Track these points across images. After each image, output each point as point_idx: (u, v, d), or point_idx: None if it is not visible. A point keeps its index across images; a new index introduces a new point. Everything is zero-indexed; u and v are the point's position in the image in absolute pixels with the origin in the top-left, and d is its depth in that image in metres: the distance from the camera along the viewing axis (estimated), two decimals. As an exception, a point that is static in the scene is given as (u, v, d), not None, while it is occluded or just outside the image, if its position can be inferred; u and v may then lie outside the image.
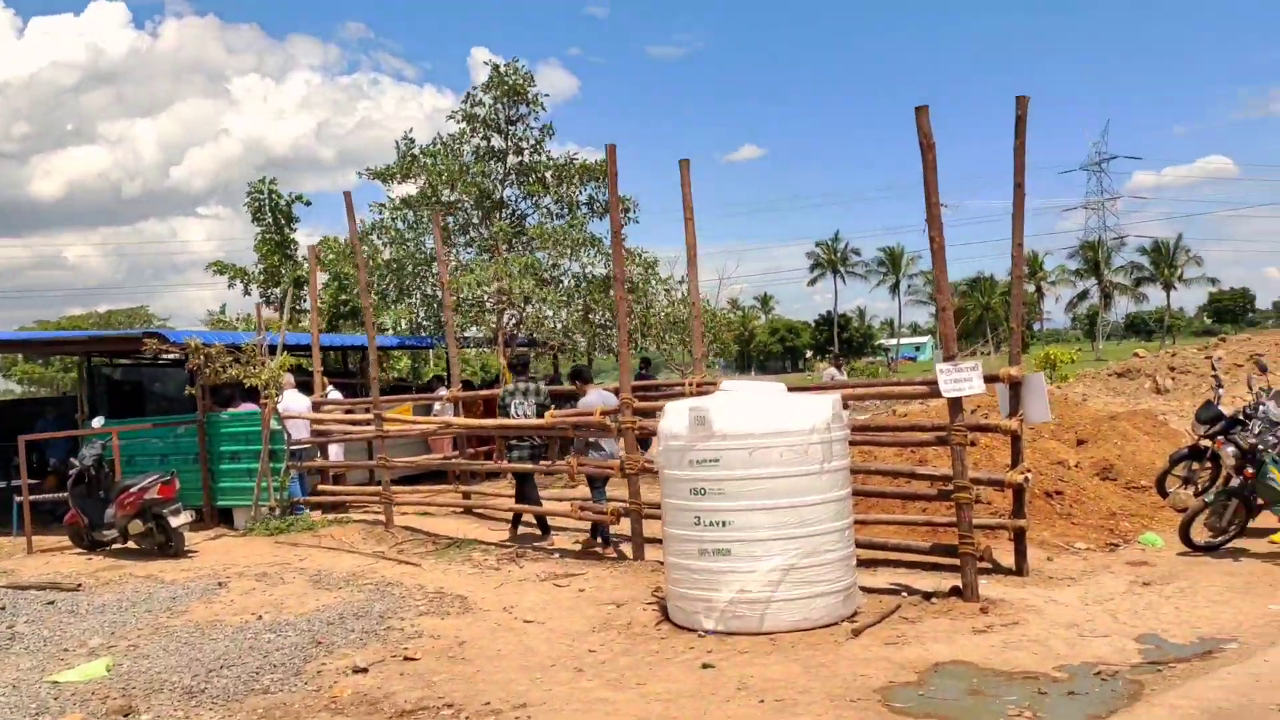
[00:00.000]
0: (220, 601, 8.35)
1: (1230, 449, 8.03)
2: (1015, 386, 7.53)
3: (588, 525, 9.90)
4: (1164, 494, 10.03)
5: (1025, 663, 5.67)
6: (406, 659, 6.30)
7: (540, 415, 9.92)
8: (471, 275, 14.54)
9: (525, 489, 10.54)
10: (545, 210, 17.00)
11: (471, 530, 11.01)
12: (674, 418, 6.99)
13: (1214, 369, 10.98)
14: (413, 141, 16.57)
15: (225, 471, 12.39)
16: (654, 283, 16.21)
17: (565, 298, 16.04)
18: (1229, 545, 8.20)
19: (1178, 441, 11.74)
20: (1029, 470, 9.57)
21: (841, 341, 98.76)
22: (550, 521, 10.48)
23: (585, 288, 16.07)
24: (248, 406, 12.33)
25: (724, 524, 6.63)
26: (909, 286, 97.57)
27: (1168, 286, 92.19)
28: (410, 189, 16.76)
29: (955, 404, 7.00)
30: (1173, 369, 24.38)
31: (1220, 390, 10.13)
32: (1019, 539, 7.70)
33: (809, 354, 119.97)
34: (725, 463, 6.62)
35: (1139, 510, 9.60)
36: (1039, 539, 8.72)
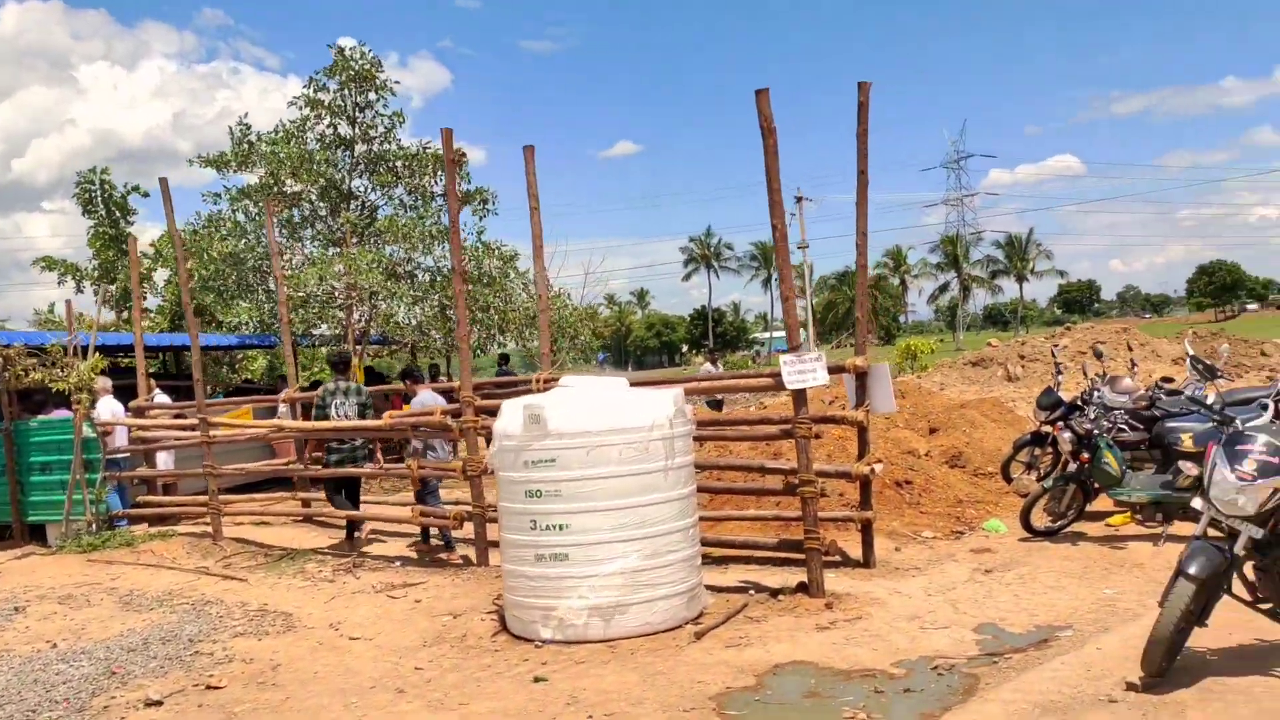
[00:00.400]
0: (13, 629, 7.54)
1: (1067, 435, 8.13)
2: (861, 377, 7.43)
3: (438, 531, 9.43)
4: (1008, 479, 10.18)
5: (865, 659, 5.51)
6: (209, 688, 5.73)
7: (362, 416, 9.56)
8: (315, 269, 13.73)
9: (342, 493, 10.03)
10: (398, 202, 16.30)
11: (310, 539, 10.36)
12: (508, 417, 6.60)
13: (1054, 357, 11.26)
14: (249, 127, 15.61)
15: (36, 484, 11.34)
16: (513, 276, 15.72)
17: (419, 293, 15.40)
18: (1068, 530, 8.32)
19: (1023, 428, 11.99)
20: (877, 461, 9.55)
21: (715, 336, 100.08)
22: (399, 529, 9.94)
23: (440, 283, 15.44)
24: (61, 413, 11.31)
25: (561, 528, 6.29)
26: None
27: (1020, 279, 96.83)
28: (251, 178, 15.82)
29: (799, 396, 6.83)
30: (1023, 357, 25.30)
31: (1060, 377, 10.34)
32: (866, 531, 7.61)
33: (685, 348, 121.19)
34: (562, 463, 6.27)
35: (985, 497, 9.70)
36: (888, 529, 8.69)
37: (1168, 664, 4.66)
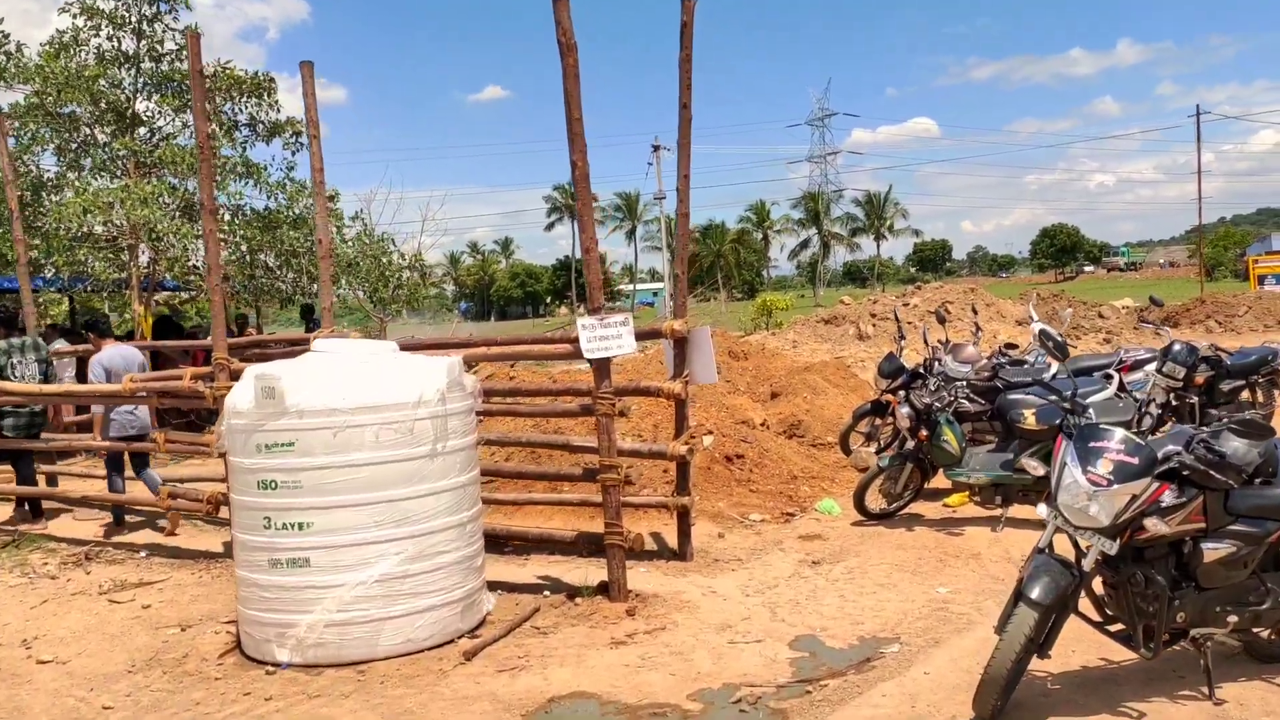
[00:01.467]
0: None
1: (905, 410, 7.40)
2: (680, 343, 6.46)
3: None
4: (847, 451, 9.50)
5: (659, 689, 4.58)
6: None
7: (45, 376, 8.40)
8: (78, 201, 11.78)
9: (22, 466, 8.70)
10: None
11: (55, 524, 8.81)
12: (240, 389, 5.36)
13: (896, 318, 10.58)
14: (6, 35, 13.40)
15: None
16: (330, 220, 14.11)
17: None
18: (905, 511, 7.64)
19: (866, 394, 11.37)
20: (707, 433, 8.68)
21: (578, 287, 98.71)
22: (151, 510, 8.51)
23: (240, 222, 13.71)
24: None
25: (302, 527, 5.11)
26: (644, 232, 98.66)
27: (878, 237, 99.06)
28: (13, 97, 13.61)
29: (601, 367, 5.80)
30: (874, 315, 25.13)
31: (903, 341, 9.68)
32: (682, 519, 6.69)
33: (549, 299, 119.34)
34: (302, 447, 5.08)
35: (821, 471, 8.97)
36: (714, 510, 7.83)
37: (1003, 703, 3.88)
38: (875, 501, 7.57)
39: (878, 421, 9.54)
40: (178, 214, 13.15)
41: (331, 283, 7.84)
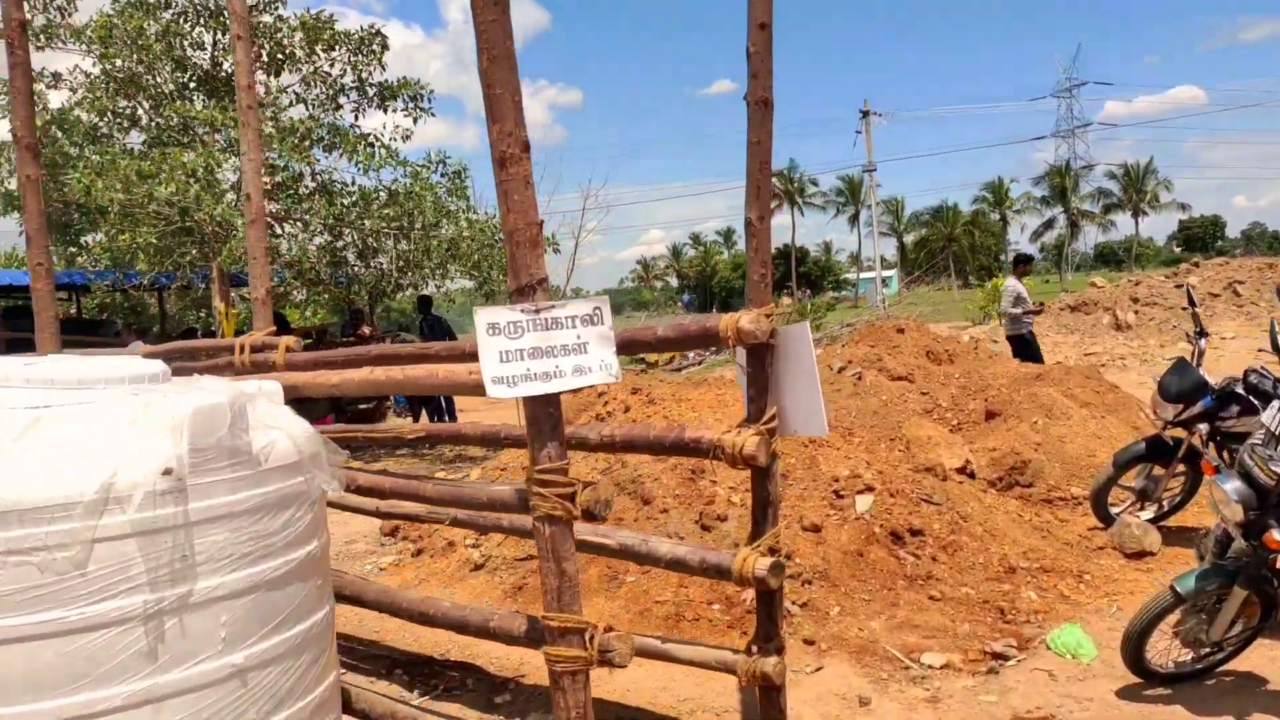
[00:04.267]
0: None
1: (1230, 486, 3.73)
2: (759, 354, 3.29)
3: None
4: (1105, 519, 5.91)
5: None
6: None
7: None
8: (79, 176, 9.68)
9: None
10: (293, 96, 12.40)
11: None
12: None
13: (1190, 299, 6.67)
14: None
15: None
16: (428, 195, 11.72)
17: (322, 217, 11.56)
18: (1226, 666, 4.06)
19: (1134, 419, 7.59)
20: (848, 495, 5.42)
21: (799, 275, 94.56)
22: None
23: (322, 202, 11.50)
24: None
25: None
26: (868, 217, 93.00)
27: (1137, 213, 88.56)
28: (81, 60, 11.96)
29: (541, 413, 2.69)
30: (1136, 300, 20.29)
31: (1202, 341, 5.96)
32: (767, 696, 3.47)
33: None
34: None
35: (1060, 558, 5.44)
36: (858, 637, 4.55)
37: None
38: (1166, 653, 4.04)
39: (1157, 470, 5.92)
40: (234, 191, 11.05)
41: (263, 268, 5.18)
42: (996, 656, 4.37)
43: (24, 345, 11.33)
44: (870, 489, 5.59)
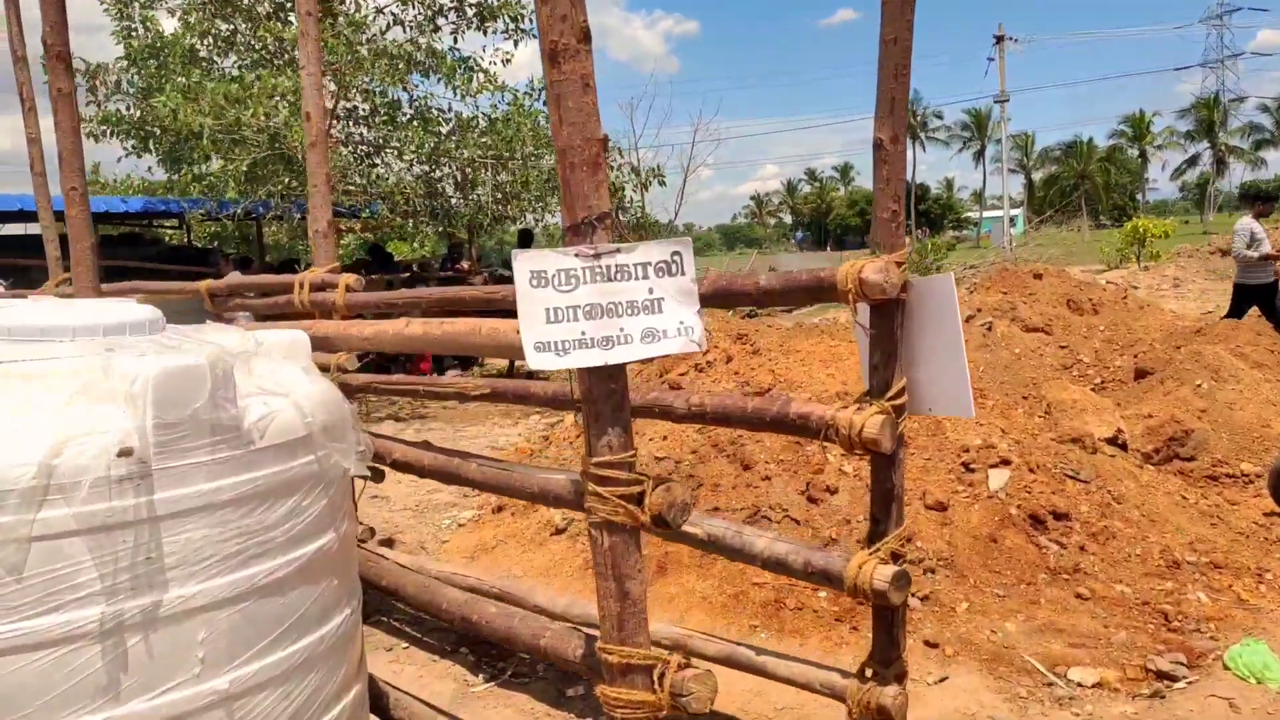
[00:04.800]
0: None
1: None
2: (886, 312, 2.61)
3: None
4: (1289, 507, 5.02)
5: None
6: None
7: None
8: (164, 100, 9.27)
9: None
10: (390, 17, 11.86)
11: None
12: None
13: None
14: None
15: None
16: (526, 123, 11.10)
17: (414, 146, 11.11)
18: None
19: (1318, 385, 6.58)
20: (978, 469, 4.68)
21: (918, 214, 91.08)
22: None
23: (415, 128, 10.99)
24: None
25: None
26: (995, 152, 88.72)
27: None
28: None
29: (600, 385, 2.07)
30: (1300, 246, 18.41)
31: None
32: (883, 729, 2.83)
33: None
34: None
35: (1233, 551, 4.61)
36: (992, 642, 3.87)
37: None
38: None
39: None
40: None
41: (325, 193, 4.70)
42: (1162, 676, 3.63)
43: (120, 274, 11.30)
44: (1005, 462, 4.84)
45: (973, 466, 4.83)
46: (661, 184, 13.60)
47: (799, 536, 4.79)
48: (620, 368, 2.03)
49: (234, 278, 5.13)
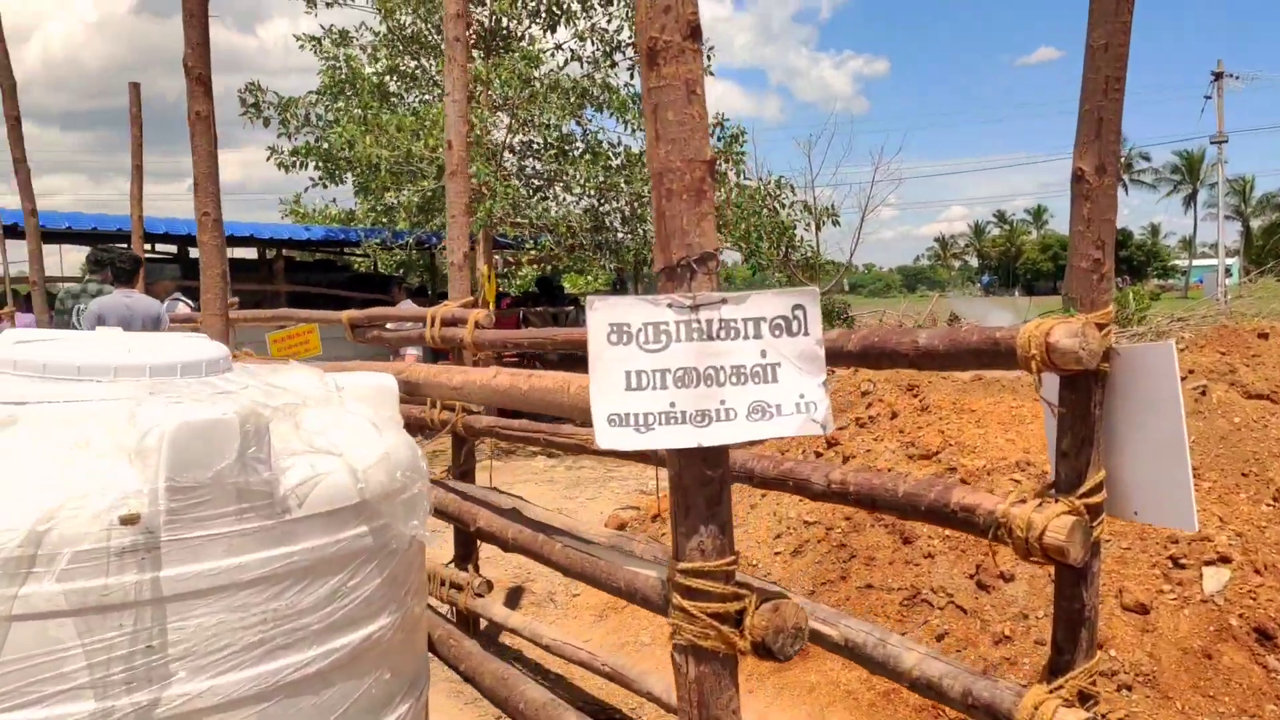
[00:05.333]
0: None
1: None
2: (1083, 387, 2.05)
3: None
4: None
5: None
6: None
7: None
8: (342, 130, 9.41)
9: None
10: (569, 52, 11.83)
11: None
12: None
13: None
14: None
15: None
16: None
17: (584, 179, 11.00)
18: None
19: None
20: (1190, 564, 3.95)
21: (1120, 260, 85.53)
22: None
23: (584, 162, 10.85)
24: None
25: None
26: (1208, 198, 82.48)
27: None
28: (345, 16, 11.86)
29: (689, 481, 1.62)
30: None
31: None
32: None
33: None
34: None
35: None
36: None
37: None
38: None
39: None
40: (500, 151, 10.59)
41: (462, 214, 4.48)
42: None
43: (306, 299, 11.66)
44: (1225, 559, 4.05)
45: (1183, 562, 4.07)
46: (835, 224, 13.05)
47: (964, 629, 4.17)
48: (719, 452, 1.59)
49: (374, 310, 5.00)
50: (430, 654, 2.96)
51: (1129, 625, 3.85)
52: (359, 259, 21.86)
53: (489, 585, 4.52)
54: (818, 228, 13.52)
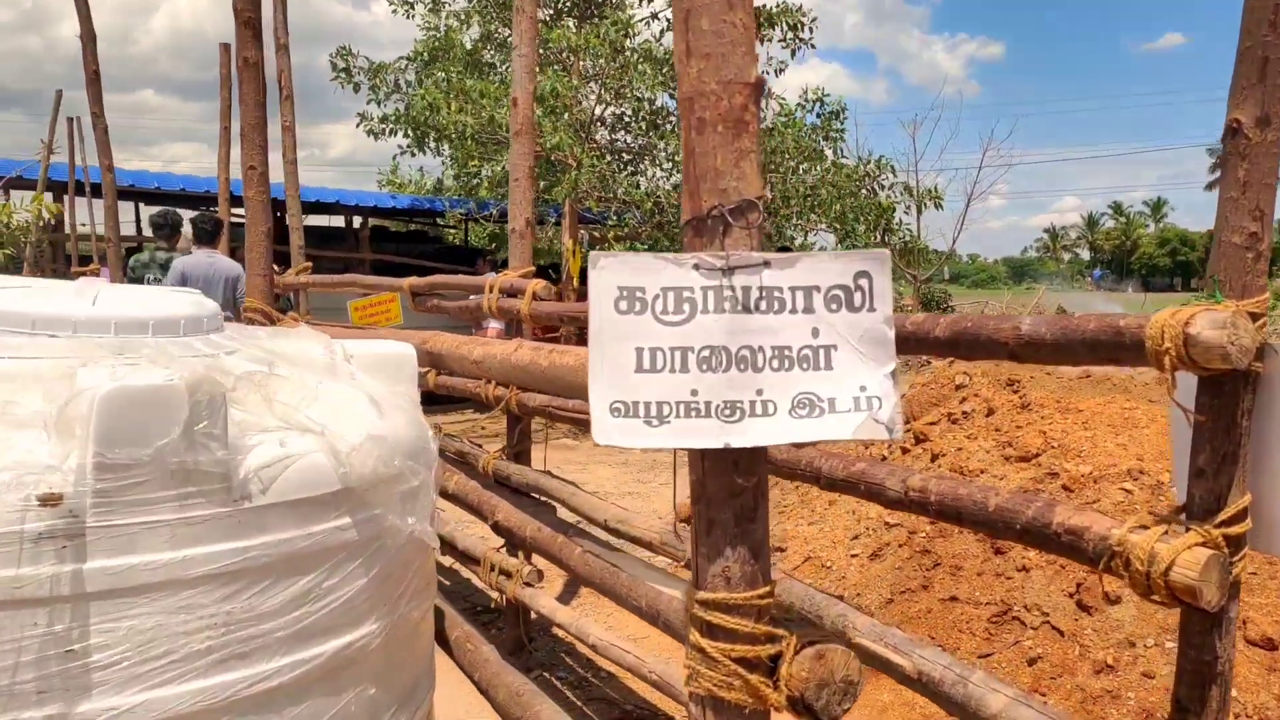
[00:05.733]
0: None
1: None
2: (1228, 391, 1.64)
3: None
4: None
5: None
6: None
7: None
8: (422, 94, 9.11)
9: None
10: (665, 22, 11.38)
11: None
12: None
13: None
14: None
15: None
16: (790, 133, 10.25)
17: (670, 154, 10.63)
18: None
19: None
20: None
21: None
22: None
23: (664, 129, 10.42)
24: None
25: None
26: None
27: None
28: None
29: (715, 491, 1.29)
30: None
31: None
32: None
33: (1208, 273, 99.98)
34: None
35: None
36: None
37: None
38: None
39: None
40: (584, 124, 10.26)
41: (527, 176, 4.20)
42: None
43: (393, 269, 11.57)
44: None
45: None
46: (938, 207, 12.38)
47: (1060, 654, 3.73)
48: (754, 455, 1.25)
49: (435, 278, 4.75)
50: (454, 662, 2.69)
51: (1253, 662, 3.37)
52: (451, 230, 21.92)
53: (539, 574, 4.25)
54: (919, 211, 12.89)
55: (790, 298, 1.23)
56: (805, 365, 1.22)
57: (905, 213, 12.29)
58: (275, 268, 9.03)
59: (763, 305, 1.23)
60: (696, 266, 1.23)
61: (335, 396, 1.83)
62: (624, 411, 1.22)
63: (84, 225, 8.12)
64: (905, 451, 5.49)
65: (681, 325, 1.23)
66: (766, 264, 1.24)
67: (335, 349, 2.12)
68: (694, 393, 1.22)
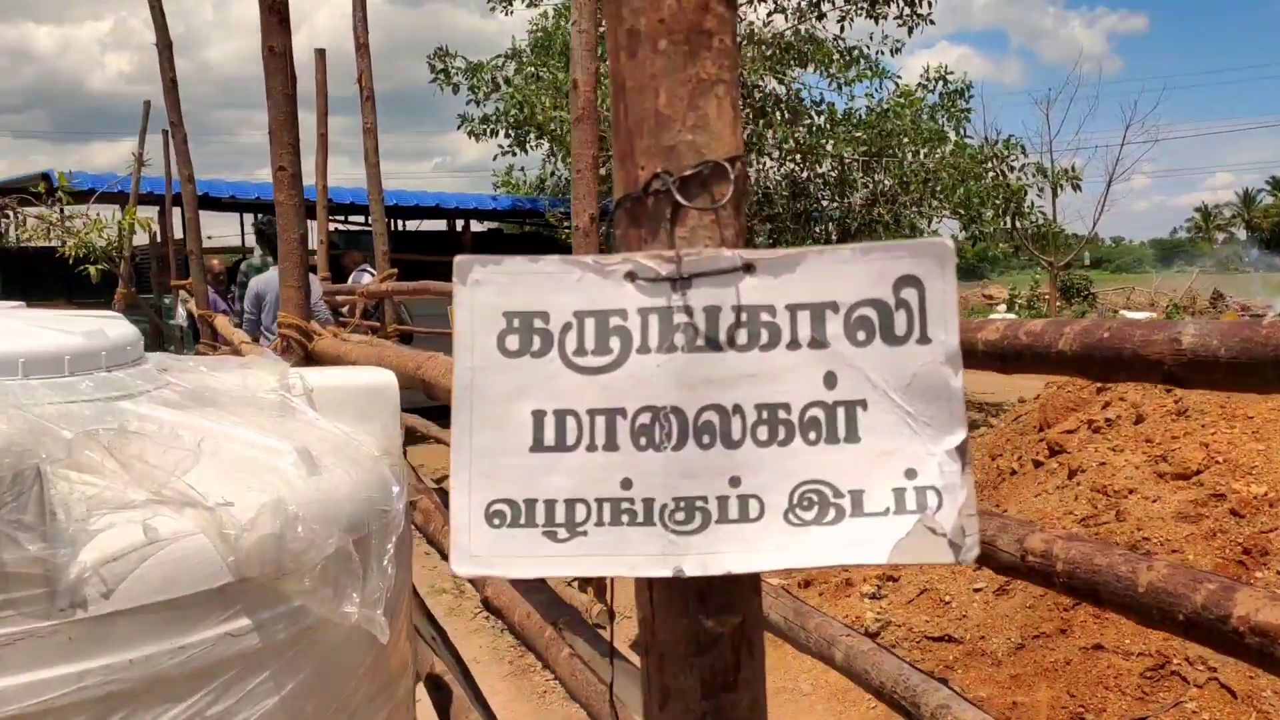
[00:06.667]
0: None
1: None
2: None
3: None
4: None
5: None
6: None
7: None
8: (514, 92, 8.70)
9: None
10: (772, 4, 10.75)
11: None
12: None
13: None
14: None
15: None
16: (908, 115, 9.49)
17: (778, 140, 10.02)
18: None
19: None
20: None
21: None
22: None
23: (780, 123, 9.80)
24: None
25: None
26: None
27: None
28: None
29: (667, 605, 0.80)
30: None
31: None
32: None
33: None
34: None
35: None
36: None
37: None
38: None
39: None
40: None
41: (590, 153, 3.78)
42: None
43: (415, 270, 11.36)
44: None
45: None
46: (1076, 188, 11.40)
47: (1231, 718, 3.07)
48: (731, 586, 0.75)
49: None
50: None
51: None
52: (565, 233, 21.81)
53: (611, 615, 3.80)
54: (1055, 193, 11.92)
55: (788, 324, 0.74)
56: (814, 436, 0.73)
57: (1039, 195, 11.35)
58: (370, 271, 8.90)
59: (741, 337, 0.73)
60: (631, 276, 0.75)
61: (249, 450, 1.41)
62: (509, 518, 0.75)
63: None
64: (1038, 466, 4.82)
65: (607, 372, 0.75)
66: (748, 267, 0.74)
67: (293, 381, 1.72)
68: (626, 484, 0.74)
